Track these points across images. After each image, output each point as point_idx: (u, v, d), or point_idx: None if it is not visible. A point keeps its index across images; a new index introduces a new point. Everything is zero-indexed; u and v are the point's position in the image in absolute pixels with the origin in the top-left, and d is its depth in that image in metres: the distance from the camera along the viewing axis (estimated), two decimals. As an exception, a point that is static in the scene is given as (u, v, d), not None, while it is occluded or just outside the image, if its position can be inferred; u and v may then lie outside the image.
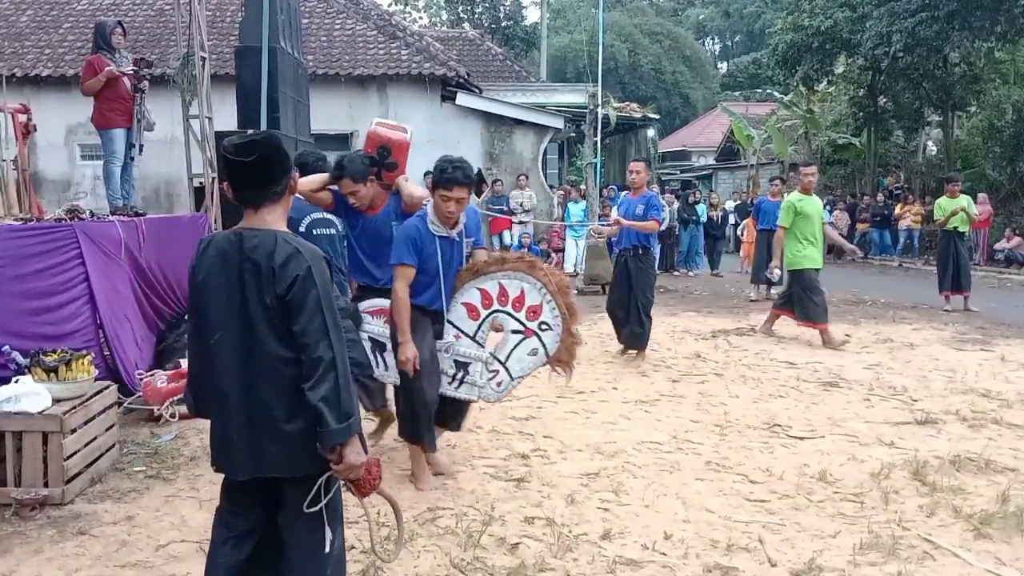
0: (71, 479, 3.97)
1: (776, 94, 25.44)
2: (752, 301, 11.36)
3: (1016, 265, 16.02)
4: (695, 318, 9.83)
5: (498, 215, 13.62)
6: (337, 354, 2.29)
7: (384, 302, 4.30)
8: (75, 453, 4.01)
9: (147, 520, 3.74)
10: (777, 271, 8.46)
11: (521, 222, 14.14)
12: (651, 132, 27.49)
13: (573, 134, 18.97)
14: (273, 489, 2.45)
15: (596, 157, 14.90)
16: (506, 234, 14.37)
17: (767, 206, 11.79)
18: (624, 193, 8.82)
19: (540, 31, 32.06)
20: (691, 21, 58.11)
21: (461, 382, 4.22)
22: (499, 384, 4.22)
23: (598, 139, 15.01)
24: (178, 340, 6.56)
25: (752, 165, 26.28)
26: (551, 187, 16.47)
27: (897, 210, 17.79)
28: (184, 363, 5.88)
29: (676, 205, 15.58)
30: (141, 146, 7.51)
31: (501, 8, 37.01)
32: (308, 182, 4.23)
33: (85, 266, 5.60)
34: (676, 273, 15.26)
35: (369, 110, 15.35)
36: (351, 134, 15.27)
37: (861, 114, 21.95)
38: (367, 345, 4.33)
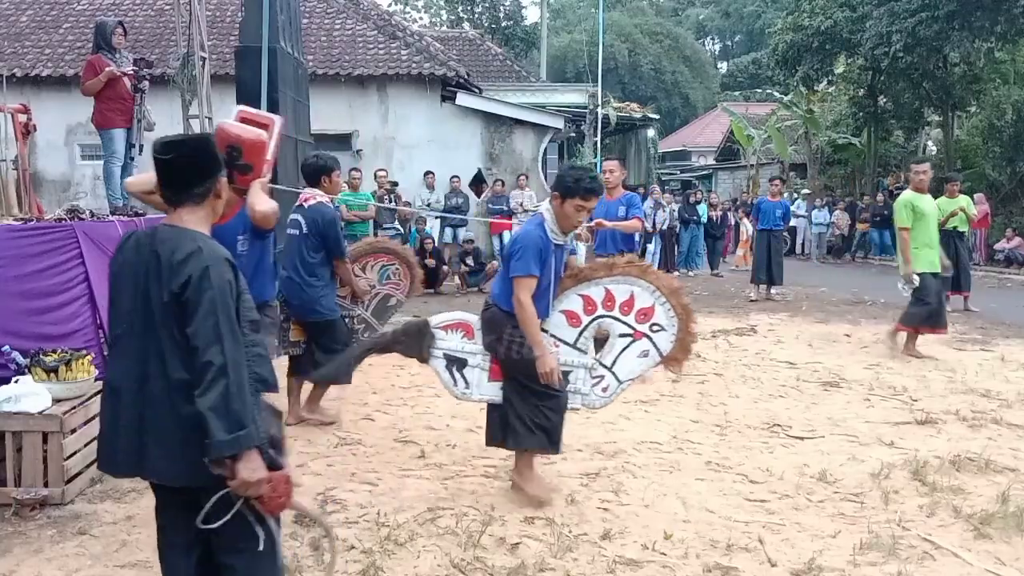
0: (71, 479, 3.97)
1: (776, 94, 25.45)
2: (752, 301, 11.36)
3: (1016, 265, 16.02)
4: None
5: (491, 218, 13.60)
6: (230, 360, 2.16)
7: (461, 316, 4.24)
8: (75, 453, 4.01)
9: (147, 520, 3.71)
10: (916, 277, 7.61)
11: (520, 222, 14.13)
12: (651, 132, 27.50)
13: (573, 134, 18.97)
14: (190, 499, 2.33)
15: (596, 157, 14.89)
16: (506, 234, 14.37)
17: (767, 206, 11.79)
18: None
19: (540, 31, 32.08)
20: (691, 21, 58.14)
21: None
22: (605, 389, 4.12)
23: (598, 139, 15.03)
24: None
25: (752, 165, 26.30)
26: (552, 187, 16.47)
27: (897, 210, 17.76)
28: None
29: (676, 205, 15.59)
30: (141, 146, 7.50)
31: (501, 8, 37.04)
32: (137, 182, 3.62)
33: (85, 266, 5.60)
34: (676, 273, 15.26)
35: (369, 110, 15.37)
36: (351, 134, 15.28)
37: (861, 114, 21.95)
38: (440, 363, 4.20)
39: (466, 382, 4.18)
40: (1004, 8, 16.11)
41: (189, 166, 2.35)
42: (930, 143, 23.38)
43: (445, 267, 12.39)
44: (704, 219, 15.70)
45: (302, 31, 11.11)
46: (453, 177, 14.12)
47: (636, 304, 4.05)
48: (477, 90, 16.35)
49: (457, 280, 12.46)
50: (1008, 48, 18.92)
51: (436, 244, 12.63)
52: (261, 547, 2.34)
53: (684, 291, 4.20)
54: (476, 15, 36.99)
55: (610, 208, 6.54)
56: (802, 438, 5.07)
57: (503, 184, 14.41)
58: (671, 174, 35.60)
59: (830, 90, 24.13)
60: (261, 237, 3.88)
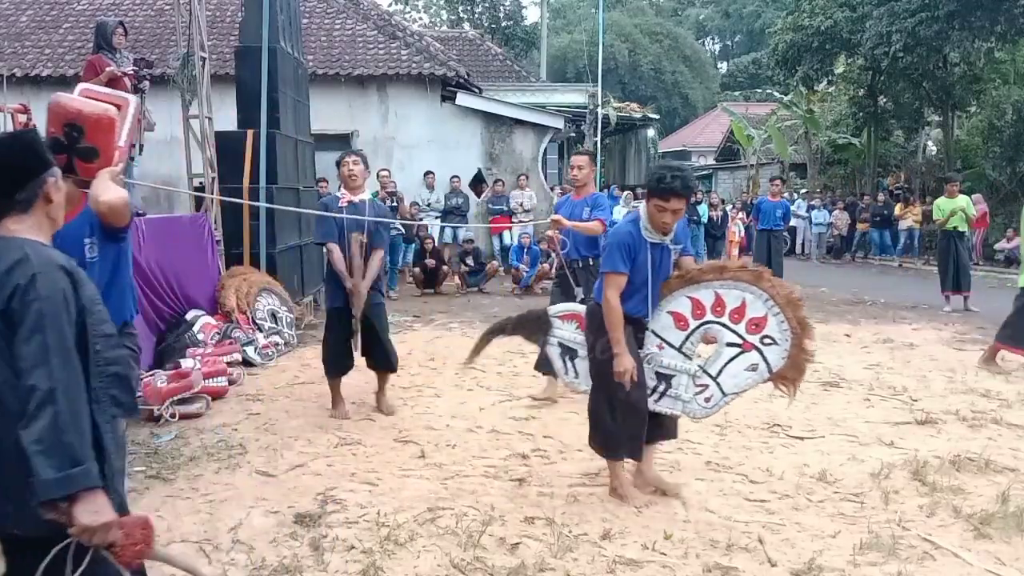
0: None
1: (776, 94, 25.47)
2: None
3: (1016, 265, 16.01)
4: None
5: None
6: (59, 385, 1.84)
7: (575, 307, 4.27)
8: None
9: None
10: None
11: (520, 222, 14.13)
12: (651, 132, 27.53)
13: (573, 134, 18.98)
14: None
15: (596, 157, 14.89)
16: (505, 234, 14.38)
17: (767, 206, 11.78)
18: (566, 195, 7.10)
19: (540, 31, 32.07)
20: (691, 21, 58.14)
21: (662, 395, 4.00)
22: (708, 400, 3.96)
23: (598, 139, 15.03)
24: (178, 340, 6.57)
25: (752, 165, 26.30)
26: (552, 187, 16.48)
27: (897, 211, 17.79)
28: (184, 363, 5.89)
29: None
30: (141, 146, 7.51)
31: (501, 8, 37.04)
32: None
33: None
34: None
35: (369, 110, 15.37)
36: (351, 134, 15.27)
37: (861, 114, 21.95)
38: (555, 351, 4.22)
39: (576, 372, 4.21)
40: (1004, 8, 16.11)
41: (2, 170, 2.05)
42: (930, 143, 23.38)
43: (445, 267, 12.38)
44: (704, 219, 15.70)
45: (302, 31, 11.11)
46: (453, 177, 14.13)
47: (747, 313, 3.84)
48: (477, 90, 16.35)
49: (457, 280, 12.45)
50: (1008, 48, 18.92)
51: (436, 244, 12.63)
52: None
53: (803, 302, 3.92)
54: (476, 15, 36.99)
55: (575, 208, 5.96)
56: (802, 438, 5.07)
57: (503, 184, 14.41)
58: (671, 174, 35.54)
59: (830, 90, 24.14)
60: (114, 239, 3.05)
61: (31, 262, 1.93)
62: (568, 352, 4.23)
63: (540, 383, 5.96)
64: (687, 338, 3.96)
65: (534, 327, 4.34)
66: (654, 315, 3.96)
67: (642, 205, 3.92)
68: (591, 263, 5.81)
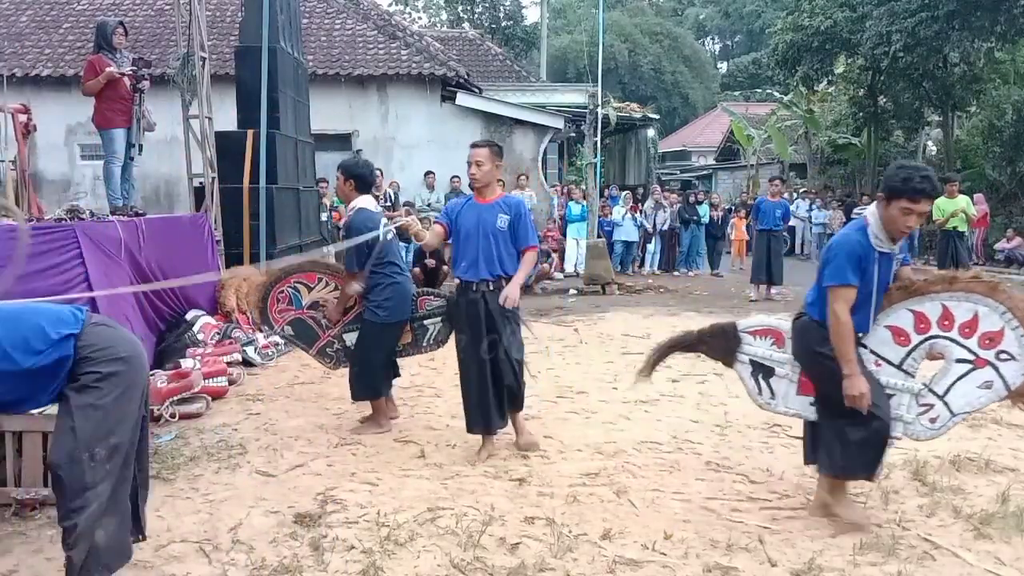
0: (71, 479, 3.94)
1: (776, 94, 25.48)
2: (752, 301, 11.36)
3: (1016, 265, 16.03)
4: (695, 318, 9.81)
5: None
6: None
7: (772, 322, 4.01)
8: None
9: (148, 519, 3.73)
10: None
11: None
12: (651, 132, 27.47)
13: (573, 134, 18.97)
14: None
15: (596, 157, 14.89)
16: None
17: (767, 206, 11.79)
18: (458, 199, 5.15)
19: (540, 31, 32.08)
20: (691, 21, 58.11)
21: None
22: (933, 420, 3.69)
23: (598, 139, 15.00)
24: (178, 340, 6.57)
25: (752, 165, 26.30)
26: (552, 187, 16.49)
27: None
28: (184, 363, 5.89)
29: (677, 205, 15.59)
30: (141, 146, 7.51)
31: (501, 8, 37.03)
32: None
33: (85, 266, 5.61)
34: (676, 273, 15.27)
35: (369, 110, 15.38)
36: (351, 134, 15.28)
37: (861, 114, 21.95)
38: (746, 369, 3.99)
39: (772, 392, 3.97)
40: (1004, 8, 16.11)
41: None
42: (930, 143, 23.39)
43: (445, 267, 12.37)
44: (705, 219, 15.72)
45: (302, 31, 11.12)
46: (453, 177, 14.12)
47: (980, 326, 3.56)
48: (477, 90, 16.36)
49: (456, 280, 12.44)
50: (1008, 48, 18.92)
51: (436, 244, 12.60)
52: None
53: None
54: (476, 15, 36.98)
55: (483, 214, 4.61)
56: (802, 438, 5.06)
57: (503, 184, 14.38)
58: (671, 174, 35.58)
59: (830, 90, 24.15)
60: None
61: None
62: (762, 370, 3.96)
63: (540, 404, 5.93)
64: (908, 355, 3.69)
65: (719, 342, 4.04)
66: (870, 330, 3.69)
67: (870, 211, 3.58)
68: (503, 286, 4.54)
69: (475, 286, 4.59)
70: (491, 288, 4.55)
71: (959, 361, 3.63)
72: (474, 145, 4.67)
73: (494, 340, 4.52)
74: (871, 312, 3.61)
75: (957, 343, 3.62)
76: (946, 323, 3.62)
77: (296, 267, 5.42)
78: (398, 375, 5.41)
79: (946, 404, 3.68)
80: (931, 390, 3.68)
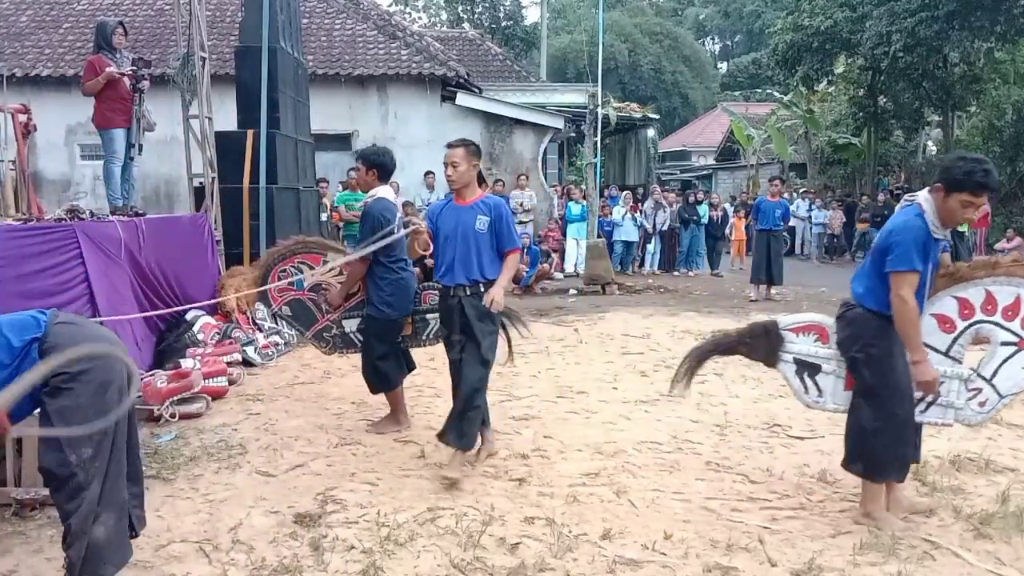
0: (71, 479, 3.94)
1: (776, 94, 25.48)
2: (752, 301, 11.36)
3: (1016, 265, 16.00)
4: (695, 318, 9.82)
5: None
6: None
7: (815, 317, 3.96)
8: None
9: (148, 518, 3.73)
10: None
11: (521, 222, 14.14)
12: (651, 132, 27.49)
13: (573, 134, 18.98)
14: None
15: (596, 157, 14.88)
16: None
17: (767, 206, 11.79)
18: (439, 198, 5.49)
19: (540, 31, 32.06)
20: (691, 21, 58.11)
21: (930, 404, 3.75)
22: (983, 404, 3.75)
23: (598, 139, 14.99)
24: (178, 340, 6.57)
25: (752, 165, 26.31)
26: (552, 187, 16.49)
27: (896, 210, 17.78)
28: (184, 363, 5.89)
29: (677, 205, 15.59)
30: (141, 146, 7.51)
31: (501, 8, 37.04)
32: None
33: (85, 266, 5.61)
34: (676, 273, 15.27)
35: (369, 110, 15.38)
36: (351, 134, 15.27)
37: (861, 114, 21.96)
38: (790, 368, 3.94)
39: (819, 390, 3.93)
40: (1004, 8, 16.12)
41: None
42: (930, 143, 23.39)
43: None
44: (705, 219, 15.72)
45: (302, 31, 11.12)
46: (453, 177, 14.12)
47: (1023, 309, 3.67)
48: (477, 90, 16.36)
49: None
50: (1008, 48, 18.94)
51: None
52: None
53: None
54: (476, 15, 36.99)
55: (462, 216, 4.43)
56: (802, 438, 5.07)
57: (503, 184, 14.42)
58: (671, 174, 35.60)
59: (830, 90, 24.16)
60: None
61: None
62: (807, 368, 3.91)
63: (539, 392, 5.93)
64: (954, 341, 3.74)
65: (760, 343, 3.99)
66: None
67: (923, 197, 3.58)
68: (482, 292, 4.37)
69: (452, 291, 4.43)
70: (467, 293, 4.38)
71: (1004, 344, 3.69)
72: (449, 145, 4.47)
73: (461, 343, 4.36)
74: (924, 298, 3.60)
75: (1001, 326, 3.68)
76: (989, 307, 3.68)
77: (302, 247, 5.43)
78: (412, 368, 5.37)
79: (994, 387, 3.74)
80: (979, 375, 3.74)
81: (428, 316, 5.21)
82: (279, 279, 5.28)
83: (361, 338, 5.23)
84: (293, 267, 5.31)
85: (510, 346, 5.02)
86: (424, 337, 5.25)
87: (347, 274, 5.15)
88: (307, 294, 5.30)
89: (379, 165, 5.08)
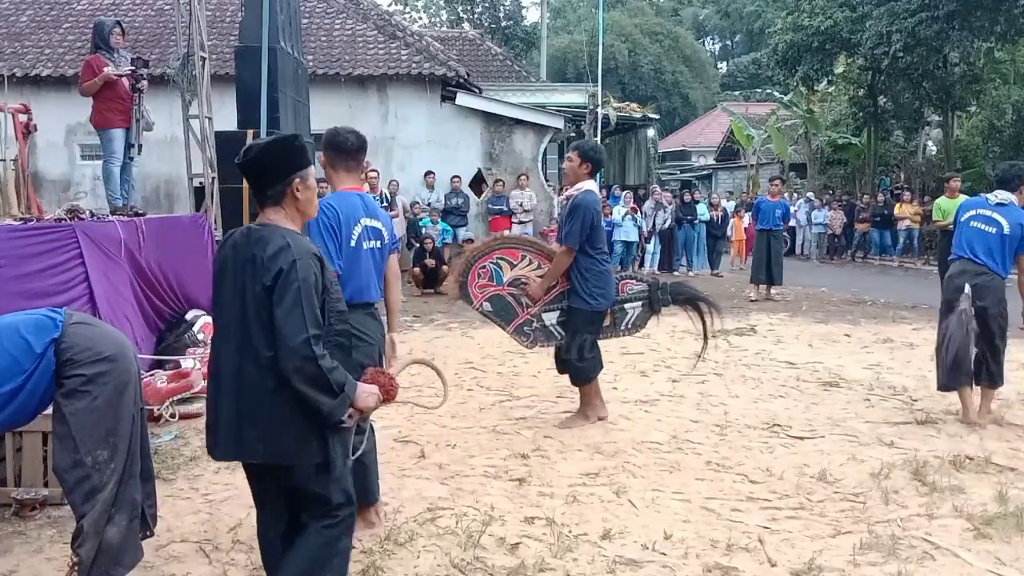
0: (71, 479, 3.94)
1: (776, 94, 25.47)
2: (752, 301, 11.36)
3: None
4: (694, 318, 9.80)
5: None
6: (313, 339, 2.40)
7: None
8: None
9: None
10: None
11: (521, 222, 14.14)
12: (651, 132, 27.51)
13: (573, 134, 18.97)
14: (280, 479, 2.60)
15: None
16: (505, 233, 14.37)
17: (767, 206, 11.79)
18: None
19: (540, 31, 32.04)
20: (691, 21, 58.09)
21: None
22: None
23: (598, 139, 15.01)
24: (178, 340, 6.56)
25: (752, 165, 26.31)
26: (552, 187, 16.48)
27: (897, 210, 17.78)
28: (184, 363, 5.89)
29: (672, 205, 15.61)
30: (140, 146, 7.50)
31: (501, 8, 37.04)
32: None
33: (85, 266, 5.60)
34: (676, 273, 15.27)
35: (369, 110, 15.36)
36: (351, 134, 15.22)
37: (861, 114, 21.95)
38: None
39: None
40: (1004, 8, 16.11)
41: (259, 170, 2.57)
42: (930, 143, 23.39)
43: (445, 267, 12.38)
44: (704, 219, 15.72)
45: (302, 31, 11.12)
46: (453, 177, 14.14)
47: None
48: (477, 90, 16.35)
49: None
50: (1008, 48, 18.93)
51: (436, 244, 12.63)
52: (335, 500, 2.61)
53: None
54: (476, 15, 36.98)
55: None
56: (802, 438, 5.07)
57: (503, 184, 14.42)
58: (671, 174, 35.60)
59: (830, 90, 24.14)
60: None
61: (291, 250, 2.44)
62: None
63: (540, 381, 5.93)
64: None
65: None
66: None
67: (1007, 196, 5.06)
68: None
69: None
70: None
71: None
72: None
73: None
74: None
75: None
76: None
77: (500, 243, 5.43)
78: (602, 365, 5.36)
79: None
80: None
81: (627, 306, 5.25)
82: (478, 277, 5.28)
83: (561, 331, 5.23)
84: (492, 263, 5.28)
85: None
86: (623, 327, 5.30)
87: (551, 267, 5.16)
88: (507, 289, 5.28)
89: (595, 161, 5.21)
